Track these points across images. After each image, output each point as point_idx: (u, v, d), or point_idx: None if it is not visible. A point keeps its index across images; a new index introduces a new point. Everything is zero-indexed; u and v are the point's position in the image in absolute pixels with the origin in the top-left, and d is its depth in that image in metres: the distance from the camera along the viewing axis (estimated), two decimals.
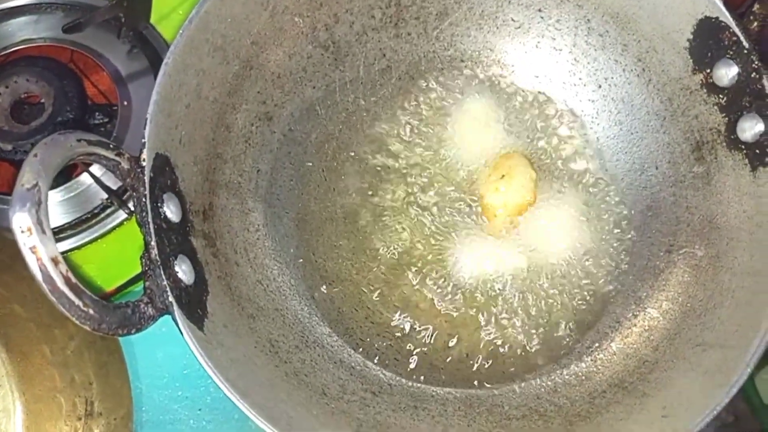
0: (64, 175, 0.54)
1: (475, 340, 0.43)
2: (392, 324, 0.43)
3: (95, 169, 0.50)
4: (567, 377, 0.41)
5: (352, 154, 0.47)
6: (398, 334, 0.43)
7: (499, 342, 0.42)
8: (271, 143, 0.44)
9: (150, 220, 0.33)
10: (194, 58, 0.38)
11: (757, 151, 0.39)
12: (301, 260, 0.44)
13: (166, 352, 0.48)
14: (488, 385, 0.41)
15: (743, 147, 0.40)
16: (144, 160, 0.34)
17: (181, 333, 0.32)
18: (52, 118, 0.52)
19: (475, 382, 0.41)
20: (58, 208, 0.52)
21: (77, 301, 0.27)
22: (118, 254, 0.50)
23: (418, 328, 0.43)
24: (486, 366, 0.42)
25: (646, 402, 0.38)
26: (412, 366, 0.42)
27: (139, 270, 0.50)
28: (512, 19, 0.47)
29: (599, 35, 0.45)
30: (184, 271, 0.34)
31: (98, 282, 0.50)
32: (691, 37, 0.41)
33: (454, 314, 0.43)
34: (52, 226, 0.51)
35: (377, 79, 0.48)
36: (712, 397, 0.34)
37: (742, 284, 0.38)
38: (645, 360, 0.40)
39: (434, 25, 0.47)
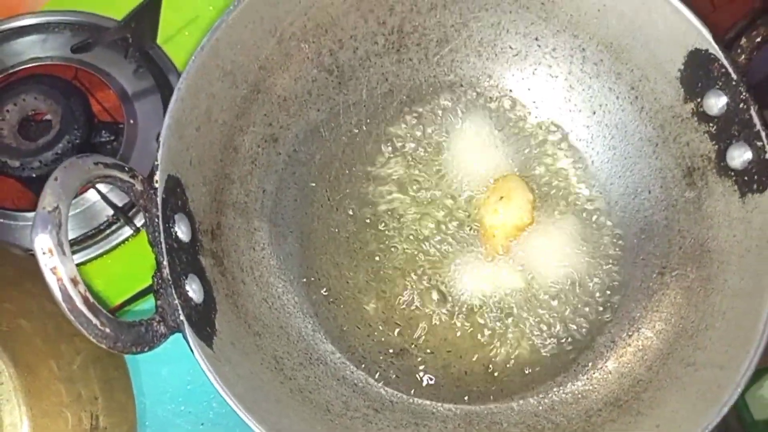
0: None
1: (474, 358, 0.44)
2: (393, 341, 0.44)
3: (101, 185, 0.51)
4: (564, 395, 0.42)
5: (355, 175, 0.48)
6: (399, 352, 0.44)
7: (497, 360, 0.44)
8: (277, 164, 0.46)
9: (162, 240, 0.34)
10: (205, 83, 0.39)
11: (746, 178, 0.41)
12: (305, 279, 0.45)
13: (170, 367, 0.49)
14: (487, 403, 0.42)
15: (732, 174, 0.41)
16: (157, 181, 0.35)
17: (192, 351, 0.33)
18: (60, 136, 0.52)
19: (475, 400, 0.42)
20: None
21: (95, 320, 0.28)
22: (123, 270, 0.51)
23: (418, 346, 0.44)
24: (484, 384, 0.43)
25: (640, 420, 0.39)
26: (412, 383, 0.43)
27: (143, 285, 0.51)
28: (510, 47, 0.49)
29: (594, 64, 0.47)
30: (194, 290, 0.35)
31: (104, 297, 0.51)
32: (682, 67, 0.43)
33: (454, 332, 0.44)
34: None
35: (380, 103, 0.49)
36: (703, 416, 0.36)
37: (732, 306, 0.39)
38: (639, 379, 0.41)
39: (435, 52, 0.49)
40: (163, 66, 0.58)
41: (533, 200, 0.47)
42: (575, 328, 0.44)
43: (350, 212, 0.47)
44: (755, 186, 0.40)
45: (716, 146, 0.42)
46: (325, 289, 0.45)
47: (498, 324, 0.44)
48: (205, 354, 0.33)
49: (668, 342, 0.41)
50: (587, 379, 0.42)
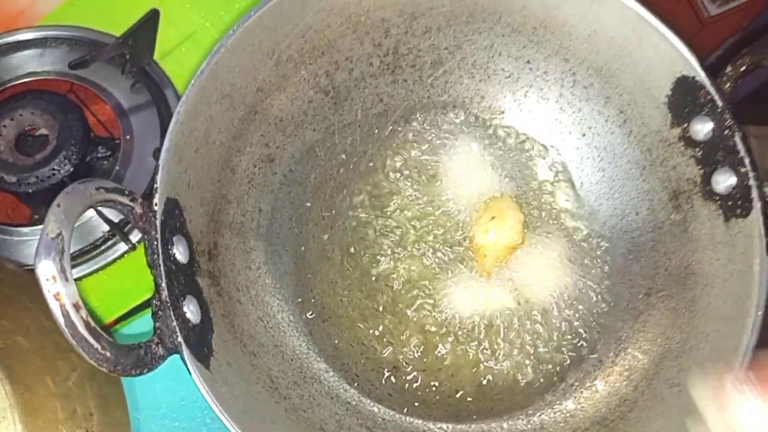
0: None
1: (465, 376, 0.45)
2: (386, 360, 0.45)
3: None
4: (552, 414, 0.43)
5: (349, 194, 0.49)
6: (392, 370, 0.45)
7: (488, 379, 0.45)
8: (273, 184, 0.46)
9: (161, 262, 0.35)
10: (204, 106, 0.40)
11: (730, 203, 0.42)
12: (299, 297, 0.45)
13: (164, 383, 0.49)
14: (477, 421, 0.43)
15: (717, 198, 0.43)
16: (156, 204, 0.35)
17: (189, 372, 0.34)
18: (56, 152, 0.53)
19: (465, 418, 0.43)
20: None
21: (96, 345, 0.29)
22: (118, 286, 0.52)
23: (410, 364, 0.45)
24: (475, 402, 0.44)
25: None
26: (404, 401, 0.44)
27: (138, 301, 0.52)
28: (502, 69, 0.50)
29: (584, 87, 0.48)
30: (191, 311, 0.36)
31: (98, 313, 0.51)
32: (670, 93, 0.44)
33: (445, 351, 0.45)
34: None
35: (374, 123, 0.50)
36: None
37: (715, 329, 0.40)
38: (625, 399, 0.42)
39: (429, 73, 0.50)
40: (160, 81, 0.58)
41: (524, 221, 0.48)
42: (564, 347, 0.45)
43: (344, 231, 0.48)
44: (739, 211, 0.41)
45: (702, 171, 0.43)
46: (319, 308, 0.46)
47: (488, 343, 0.45)
48: (202, 375, 0.34)
49: (654, 362, 0.42)
50: (575, 398, 0.43)
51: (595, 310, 0.46)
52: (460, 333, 0.45)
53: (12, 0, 0.61)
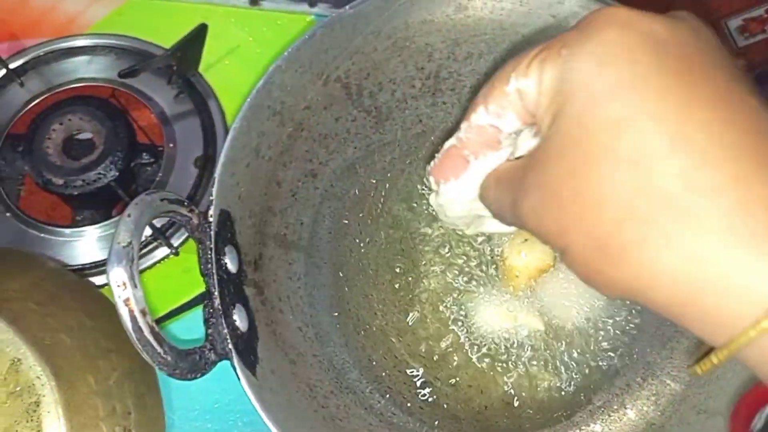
0: (105, 211, 0.57)
1: (494, 394, 0.46)
2: (418, 374, 0.46)
3: None
4: None
5: (386, 210, 0.50)
6: (423, 384, 0.46)
7: (516, 397, 0.46)
8: (314, 198, 0.48)
9: (214, 271, 0.36)
10: (256, 122, 0.41)
11: None
12: (337, 309, 0.47)
13: (198, 385, 0.51)
14: None
15: None
16: (211, 216, 0.37)
17: (238, 378, 0.35)
18: (103, 157, 0.55)
19: None
20: (101, 243, 0.55)
21: (159, 349, 0.30)
22: (157, 289, 0.53)
23: (441, 379, 0.46)
24: (503, 419, 0.45)
25: None
26: (435, 415, 0.45)
27: (177, 304, 0.53)
28: None
29: None
30: (240, 319, 0.37)
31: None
32: None
33: (475, 367, 0.46)
34: (96, 260, 0.54)
35: (413, 143, 0.51)
36: None
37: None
38: (652, 423, 0.43)
39: (468, 97, 0.51)
40: (203, 92, 0.60)
41: None
42: (592, 369, 0.46)
43: (380, 246, 0.49)
44: None
45: None
46: (354, 320, 0.47)
47: (518, 362, 0.46)
48: (250, 382, 0.35)
49: (681, 388, 0.43)
50: (602, 420, 0.44)
51: (623, 335, 0.47)
52: (489, 351, 0.47)
53: (64, 8, 0.63)
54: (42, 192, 0.57)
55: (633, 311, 0.48)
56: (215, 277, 0.36)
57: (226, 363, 0.36)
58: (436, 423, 0.45)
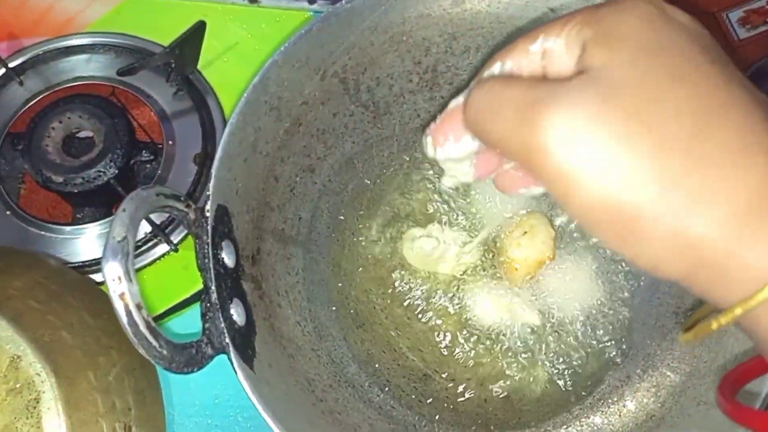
0: (105, 209, 0.57)
1: (493, 386, 0.46)
2: (417, 367, 0.46)
3: None
4: (580, 427, 0.44)
5: (385, 204, 0.50)
6: (422, 377, 0.46)
7: (515, 390, 0.46)
8: (312, 193, 0.48)
9: (211, 266, 0.36)
10: (253, 118, 0.41)
11: None
12: (335, 303, 0.47)
13: (198, 381, 0.51)
14: (505, 431, 0.44)
15: None
16: (208, 211, 0.37)
17: (236, 372, 0.35)
18: (102, 155, 0.55)
19: (493, 427, 0.44)
20: (101, 240, 0.55)
21: (155, 343, 0.30)
22: (157, 286, 0.54)
23: (440, 372, 0.46)
24: (503, 412, 0.45)
25: None
26: (434, 408, 0.45)
27: (175, 302, 0.53)
28: None
29: None
30: (238, 313, 0.37)
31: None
32: None
33: (474, 360, 0.46)
34: (97, 257, 0.54)
35: (411, 137, 0.51)
36: None
37: (743, 349, 0.41)
38: (652, 415, 0.43)
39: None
40: (202, 90, 0.60)
41: (555, 236, 0.49)
42: (592, 362, 0.46)
43: (379, 241, 0.49)
44: None
45: None
46: (353, 314, 0.47)
47: (517, 355, 0.46)
48: (247, 376, 0.35)
49: (682, 380, 0.43)
50: (602, 412, 0.44)
51: (623, 327, 0.47)
52: (488, 344, 0.47)
53: (62, 7, 0.63)
54: (42, 190, 0.57)
55: (633, 305, 0.48)
56: (212, 271, 0.36)
57: (226, 359, 0.36)
58: (436, 417, 0.45)
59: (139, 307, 0.30)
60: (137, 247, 0.54)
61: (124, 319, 0.30)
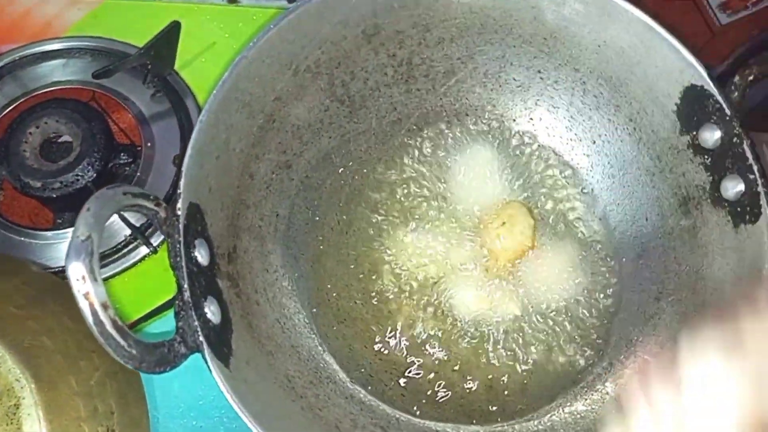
0: None
1: (476, 378, 0.45)
2: (399, 361, 0.46)
3: None
4: (563, 416, 0.44)
5: (363, 199, 0.50)
6: (404, 371, 0.46)
7: (498, 381, 0.45)
8: (290, 189, 0.48)
9: (183, 264, 0.36)
10: (225, 115, 0.41)
11: (739, 209, 0.42)
12: (316, 299, 0.47)
13: (182, 383, 0.51)
14: (489, 423, 0.44)
15: (726, 204, 0.43)
16: (179, 209, 0.37)
17: (210, 370, 0.35)
18: (80, 158, 0.54)
19: (477, 420, 0.44)
20: None
21: (123, 342, 0.30)
22: (139, 288, 0.53)
23: (422, 366, 0.46)
24: (486, 403, 0.45)
25: None
26: (417, 402, 0.45)
27: (158, 304, 0.53)
28: (514, 79, 0.51)
29: (594, 96, 0.49)
30: (212, 311, 0.37)
31: (120, 314, 0.52)
32: (678, 101, 0.45)
33: (457, 353, 0.46)
34: None
35: (388, 131, 0.51)
36: None
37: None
38: None
39: (442, 83, 0.51)
40: (180, 90, 0.60)
41: (535, 226, 0.49)
42: (574, 350, 0.46)
43: (359, 235, 0.49)
44: (747, 217, 0.42)
45: (711, 177, 0.44)
46: (334, 310, 0.47)
47: (499, 345, 0.46)
48: (222, 373, 0.35)
49: None
50: (585, 399, 0.44)
51: (605, 314, 0.47)
52: (471, 336, 0.46)
53: (38, 12, 0.63)
54: (24, 197, 0.57)
55: (615, 292, 0.48)
56: (185, 270, 0.36)
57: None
58: (419, 411, 0.44)
59: (104, 307, 0.30)
60: (117, 251, 0.53)
61: (89, 318, 0.29)
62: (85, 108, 0.57)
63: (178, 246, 0.36)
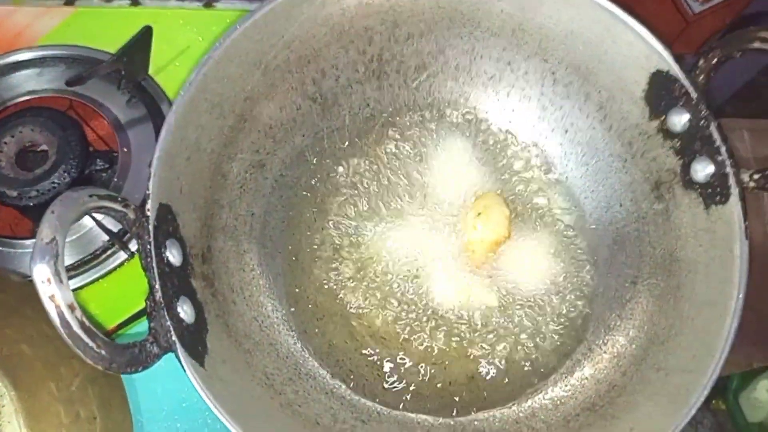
0: None
1: (457, 368, 0.46)
2: (379, 355, 0.46)
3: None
4: (543, 402, 0.44)
5: (339, 196, 0.50)
6: (385, 364, 0.46)
7: (479, 370, 0.46)
8: (264, 188, 0.48)
9: (154, 265, 0.36)
10: (194, 116, 0.41)
11: (709, 190, 0.43)
12: (293, 297, 0.47)
13: (165, 386, 0.51)
14: (470, 413, 0.44)
15: (697, 187, 0.44)
16: (148, 210, 0.37)
17: (184, 369, 0.35)
18: (56, 166, 0.54)
19: (459, 410, 0.44)
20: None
21: (91, 343, 0.30)
22: (118, 293, 0.53)
23: (403, 359, 0.46)
24: (468, 393, 0.45)
25: (615, 424, 0.41)
26: (398, 395, 0.45)
27: (139, 308, 0.53)
28: (485, 71, 0.51)
29: (564, 86, 0.49)
30: (185, 311, 0.37)
31: (100, 320, 0.52)
32: (646, 87, 0.45)
33: (437, 345, 0.46)
34: None
35: (362, 127, 0.51)
36: (673, 418, 0.37)
37: (699, 313, 0.41)
38: (614, 384, 0.43)
39: (413, 77, 0.51)
40: (155, 96, 0.60)
41: (510, 216, 0.49)
42: (553, 337, 0.46)
43: (336, 232, 0.49)
44: (718, 198, 0.42)
45: (681, 161, 0.45)
46: (313, 307, 0.47)
47: (478, 335, 0.46)
48: (197, 372, 0.35)
49: (641, 348, 0.43)
50: (565, 385, 0.44)
51: (582, 300, 0.47)
52: (450, 326, 0.46)
53: (10, 22, 0.63)
54: (3, 207, 0.57)
55: (591, 277, 0.48)
56: (155, 270, 0.36)
57: None
58: (401, 405, 0.44)
59: (71, 308, 0.30)
60: (95, 257, 0.53)
61: (56, 321, 0.29)
62: (60, 116, 0.57)
63: (148, 247, 0.36)
